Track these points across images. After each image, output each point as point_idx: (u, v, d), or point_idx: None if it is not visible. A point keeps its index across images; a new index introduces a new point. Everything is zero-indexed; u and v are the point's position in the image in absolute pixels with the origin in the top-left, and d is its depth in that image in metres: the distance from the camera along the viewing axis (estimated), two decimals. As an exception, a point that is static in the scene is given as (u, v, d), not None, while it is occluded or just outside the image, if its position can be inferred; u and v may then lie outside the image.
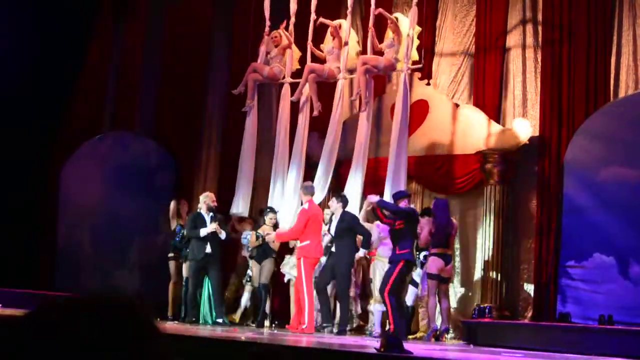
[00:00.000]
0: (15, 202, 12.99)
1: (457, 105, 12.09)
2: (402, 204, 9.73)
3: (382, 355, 6.55)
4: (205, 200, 11.07)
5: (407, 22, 10.80)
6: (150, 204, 12.61)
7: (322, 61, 11.47)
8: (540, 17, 11.80)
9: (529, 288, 11.32)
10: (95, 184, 14.06)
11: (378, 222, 10.26)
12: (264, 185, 11.88)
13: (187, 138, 14.65)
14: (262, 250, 10.94)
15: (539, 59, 11.73)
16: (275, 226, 11.03)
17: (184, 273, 11.24)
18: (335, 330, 9.84)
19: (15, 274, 12.18)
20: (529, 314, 11.16)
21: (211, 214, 10.93)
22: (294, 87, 11.55)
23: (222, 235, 10.84)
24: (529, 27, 11.90)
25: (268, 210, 11.22)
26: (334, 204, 10.05)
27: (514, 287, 11.42)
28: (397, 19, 10.89)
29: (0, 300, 11.15)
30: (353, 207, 10.41)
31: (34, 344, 1.17)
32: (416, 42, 11.05)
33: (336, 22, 11.34)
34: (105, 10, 15.49)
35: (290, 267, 10.82)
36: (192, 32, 15.05)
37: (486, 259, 11.29)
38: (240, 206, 11.47)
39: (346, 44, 11.14)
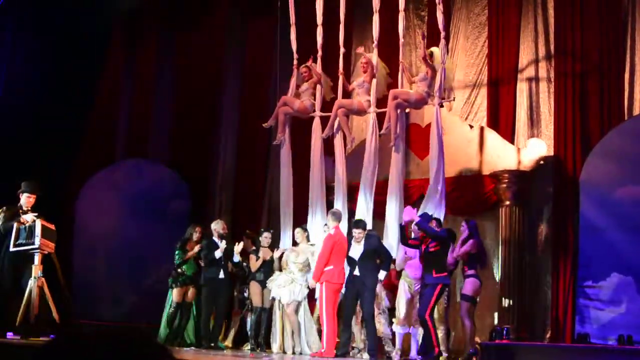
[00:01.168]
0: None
1: (471, 127, 12.08)
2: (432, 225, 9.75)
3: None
4: (216, 228, 11.11)
5: (438, 56, 10.76)
6: (164, 230, 12.62)
7: (351, 94, 11.49)
8: (552, 36, 11.80)
9: (547, 309, 11.24)
10: (110, 211, 14.11)
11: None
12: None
13: (201, 164, 14.71)
14: (266, 273, 10.94)
15: (552, 79, 11.73)
16: (272, 246, 11.11)
17: (175, 298, 11.22)
18: (365, 355, 9.85)
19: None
20: (547, 335, 11.07)
21: (223, 241, 10.94)
22: (324, 120, 11.48)
23: (237, 258, 10.92)
24: (541, 48, 11.90)
25: (263, 230, 11.37)
26: (362, 233, 9.87)
27: (532, 308, 11.34)
28: (432, 53, 10.82)
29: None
30: (391, 234, 10.49)
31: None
32: (452, 78, 11.08)
33: (368, 55, 11.32)
34: (116, 39, 15.60)
35: (278, 286, 10.67)
36: (203, 59, 15.14)
37: (503, 280, 11.22)
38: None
39: (374, 77, 11.14)
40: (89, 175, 14.39)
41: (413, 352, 10.19)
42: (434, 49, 10.84)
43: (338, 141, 11.33)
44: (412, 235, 10.00)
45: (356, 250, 9.82)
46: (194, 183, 14.59)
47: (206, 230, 11.42)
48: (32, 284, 9.15)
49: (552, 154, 11.48)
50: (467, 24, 12.63)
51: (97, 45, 15.01)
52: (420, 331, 9.92)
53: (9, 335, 9.02)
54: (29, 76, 13.73)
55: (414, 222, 9.80)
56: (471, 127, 12.08)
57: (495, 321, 11.16)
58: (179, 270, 11.18)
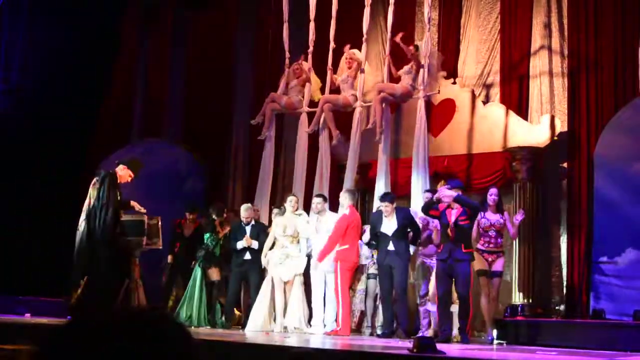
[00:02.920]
0: (46, 211, 13.11)
1: (484, 103, 12.05)
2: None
3: (416, 357, 6.53)
4: (243, 214, 11.09)
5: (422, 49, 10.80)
6: (180, 211, 12.64)
7: (338, 90, 11.51)
8: (566, 10, 11.72)
9: (562, 285, 11.24)
10: (125, 191, 14.15)
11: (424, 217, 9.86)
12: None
13: (216, 145, 14.74)
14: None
15: (566, 54, 11.65)
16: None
17: (207, 277, 11.27)
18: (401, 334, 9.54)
19: (44, 282, 12.29)
20: (562, 311, 11.08)
21: (248, 227, 10.92)
22: (311, 116, 11.61)
23: (255, 245, 10.86)
24: (555, 22, 11.82)
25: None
26: (391, 206, 9.71)
27: (546, 285, 11.35)
28: (416, 47, 10.86)
29: (29, 309, 11.25)
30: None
31: (73, 353, 1.19)
32: (442, 72, 11.09)
33: (352, 51, 11.39)
34: (131, 20, 15.61)
35: (274, 265, 10.48)
36: (217, 39, 15.14)
37: (517, 256, 11.22)
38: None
39: (362, 71, 11.20)
40: (105, 156, 14.43)
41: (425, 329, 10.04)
42: (418, 42, 10.91)
43: (324, 137, 11.41)
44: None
45: (387, 225, 9.69)
46: (209, 163, 14.63)
47: (231, 211, 11.53)
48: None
49: (566, 129, 11.43)
50: (478, 0, 12.55)
51: (112, 27, 15.04)
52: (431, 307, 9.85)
53: None
54: (44, 59, 13.79)
55: (455, 197, 9.17)
56: (484, 103, 12.05)
57: (513, 298, 11.14)
58: (209, 250, 11.23)
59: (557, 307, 11.21)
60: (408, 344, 7.17)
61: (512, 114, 11.64)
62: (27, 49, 14.09)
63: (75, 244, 9.29)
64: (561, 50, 11.72)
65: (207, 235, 11.33)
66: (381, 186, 10.87)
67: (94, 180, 9.10)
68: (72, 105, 13.88)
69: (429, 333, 9.62)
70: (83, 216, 9.24)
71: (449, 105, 12.03)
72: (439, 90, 11.29)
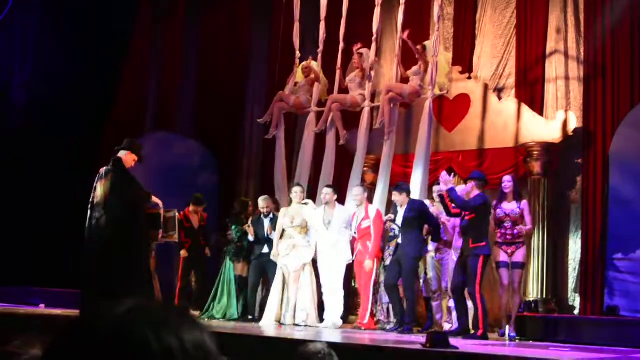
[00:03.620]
0: (61, 202, 13.17)
1: (499, 99, 12.00)
2: (469, 186, 9.26)
3: (428, 351, 6.52)
4: (261, 205, 11.09)
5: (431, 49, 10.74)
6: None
7: (346, 90, 11.46)
8: (582, 5, 11.65)
9: (576, 281, 11.20)
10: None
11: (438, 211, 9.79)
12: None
13: (229, 138, 14.74)
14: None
15: (582, 50, 11.59)
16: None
17: (238, 272, 11.31)
18: (400, 328, 9.48)
19: (58, 273, 12.34)
20: (576, 308, 11.04)
21: (270, 216, 10.90)
22: (319, 115, 11.56)
23: (250, 237, 10.90)
24: (571, 18, 11.75)
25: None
26: (399, 196, 9.77)
27: (561, 281, 11.31)
28: (424, 47, 10.80)
29: (43, 300, 11.30)
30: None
31: (90, 347, 1.18)
32: (445, 68, 10.98)
33: (361, 50, 11.34)
34: (144, 14, 15.63)
35: (282, 256, 10.35)
36: (230, 33, 15.14)
37: (531, 252, 11.17)
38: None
39: (371, 69, 11.14)
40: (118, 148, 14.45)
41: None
42: (426, 42, 10.84)
43: (330, 136, 11.36)
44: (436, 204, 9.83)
45: (399, 217, 9.71)
46: (222, 157, 14.64)
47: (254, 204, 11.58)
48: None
49: (581, 125, 11.37)
50: (495, -6, 12.50)
51: (125, 19, 15.06)
52: (450, 303, 9.81)
53: None
54: (57, 52, 13.83)
55: (446, 190, 9.06)
56: (499, 98, 12.00)
57: (524, 293, 11.10)
58: (239, 244, 11.25)
59: (571, 304, 11.17)
60: (421, 338, 7.16)
61: (527, 109, 11.59)
62: (39, 42, 14.14)
63: (91, 238, 8.65)
64: (577, 46, 11.65)
65: (233, 228, 11.35)
66: (381, 184, 10.87)
67: (103, 171, 8.71)
68: (85, 98, 13.92)
69: (446, 328, 9.63)
70: (100, 210, 8.56)
71: (464, 101, 11.99)
72: (447, 91, 11.20)
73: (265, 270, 10.91)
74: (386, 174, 10.98)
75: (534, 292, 11.03)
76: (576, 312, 10.92)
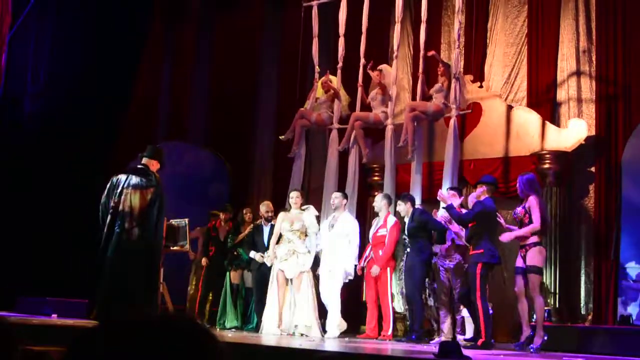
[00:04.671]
0: (73, 212, 13.19)
1: (510, 107, 11.98)
2: (479, 191, 8.94)
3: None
4: (261, 211, 11.03)
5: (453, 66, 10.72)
6: (204, 213, 12.67)
7: (369, 107, 11.39)
8: (594, 14, 11.63)
9: (589, 290, 11.14)
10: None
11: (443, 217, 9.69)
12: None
13: (240, 147, 14.77)
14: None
15: (594, 58, 11.56)
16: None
17: (232, 280, 11.31)
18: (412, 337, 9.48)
19: (69, 283, 12.36)
20: (589, 317, 10.98)
21: (272, 222, 10.78)
22: (341, 132, 11.48)
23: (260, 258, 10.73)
24: (582, 26, 11.73)
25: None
26: (403, 206, 9.83)
27: (573, 290, 11.25)
28: (447, 65, 10.79)
29: (55, 309, 11.30)
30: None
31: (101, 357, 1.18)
32: (468, 85, 11.00)
33: (381, 66, 11.31)
34: (156, 24, 15.70)
35: (279, 260, 10.11)
36: (241, 41, 15.18)
37: (544, 261, 11.12)
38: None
39: (393, 85, 11.10)
40: (130, 157, 14.50)
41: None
42: (449, 61, 10.82)
43: (353, 155, 11.28)
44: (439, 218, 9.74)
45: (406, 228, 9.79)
46: (234, 166, 14.67)
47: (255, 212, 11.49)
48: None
49: (593, 133, 11.33)
50: (506, 3, 12.50)
51: (138, 28, 15.13)
52: (464, 313, 9.78)
53: None
54: (70, 60, 13.89)
55: (445, 207, 9.06)
56: (511, 107, 11.98)
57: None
58: (235, 253, 11.22)
59: (584, 313, 11.11)
60: (433, 348, 7.12)
61: (539, 117, 11.56)
62: (53, 48, 14.20)
63: (118, 247, 8.30)
64: (589, 53, 11.62)
65: (229, 237, 11.35)
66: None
67: (138, 181, 8.35)
68: (97, 107, 13.97)
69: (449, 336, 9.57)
70: (132, 222, 8.20)
71: (476, 109, 11.96)
72: (471, 109, 11.12)
73: (267, 280, 10.79)
74: (416, 192, 10.86)
75: (546, 301, 10.97)
76: (589, 321, 10.86)
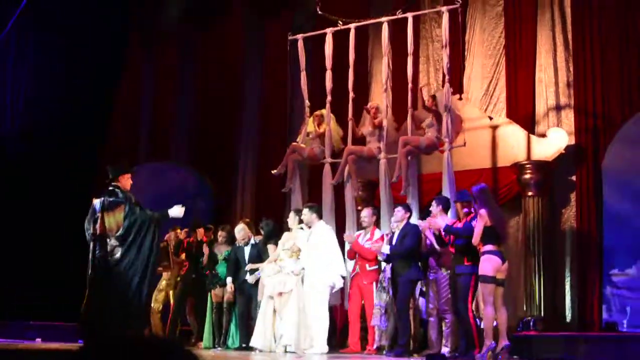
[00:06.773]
0: (57, 235, 13.13)
1: (490, 118, 12.04)
2: (466, 210, 8.89)
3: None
4: (237, 236, 10.95)
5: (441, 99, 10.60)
6: (187, 232, 12.62)
7: (362, 140, 11.31)
8: (570, 24, 11.73)
9: (574, 298, 11.18)
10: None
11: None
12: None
13: (222, 166, 14.76)
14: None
15: (571, 67, 11.66)
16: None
17: (213, 299, 11.26)
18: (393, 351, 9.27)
19: (55, 307, 12.28)
20: (574, 325, 11.02)
21: (252, 242, 10.77)
22: (334, 166, 11.30)
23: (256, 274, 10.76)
24: (559, 36, 11.83)
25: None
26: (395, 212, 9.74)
27: (558, 298, 11.29)
28: (434, 97, 10.72)
29: (40, 334, 11.24)
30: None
31: None
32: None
33: (373, 103, 11.28)
34: (135, 45, 15.70)
35: (267, 276, 10.14)
36: (223, 60, 15.20)
37: (528, 270, 11.18)
38: None
39: (385, 119, 10.93)
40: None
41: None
42: (436, 94, 10.73)
43: (348, 188, 11.21)
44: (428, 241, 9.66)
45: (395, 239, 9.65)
46: (216, 184, 14.65)
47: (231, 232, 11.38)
48: None
49: (573, 142, 11.41)
50: (483, 16, 12.58)
51: (116, 48, 15.12)
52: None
53: None
54: (48, 82, 13.85)
55: (444, 228, 8.88)
56: (490, 118, 12.04)
57: (520, 312, 11.08)
58: (213, 272, 11.18)
59: (569, 321, 11.15)
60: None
61: (519, 128, 11.63)
62: (30, 70, 14.16)
63: (102, 274, 8.15)
64: (567, 63, 11.72)
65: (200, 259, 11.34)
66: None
67: (106, 202, 8.37)
68: (77, 128, 13.92)
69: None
70: (116, 242, 8.19)
71: (455, 121, 11.98)
72: (464, 143, 10.95)
73: (251, 297, 10.77)
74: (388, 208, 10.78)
75: (531, 310, 11.01)
76: (574, 329, 10.89)
